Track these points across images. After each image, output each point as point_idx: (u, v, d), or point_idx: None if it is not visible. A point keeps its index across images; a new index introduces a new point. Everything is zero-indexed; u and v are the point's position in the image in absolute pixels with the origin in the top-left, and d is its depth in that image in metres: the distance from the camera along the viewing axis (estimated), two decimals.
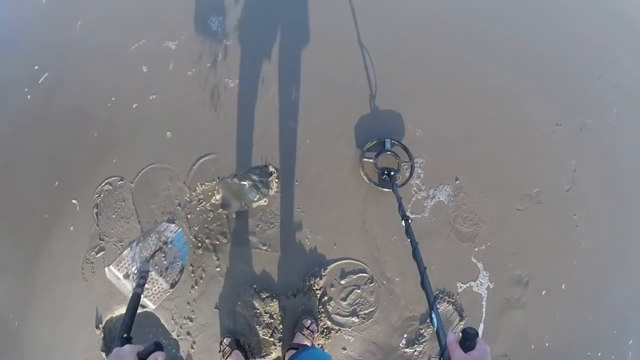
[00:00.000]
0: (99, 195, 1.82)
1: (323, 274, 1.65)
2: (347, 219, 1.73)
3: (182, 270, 1.25)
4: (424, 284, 0.90)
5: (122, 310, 1.68)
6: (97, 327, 1.67)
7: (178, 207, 1.75)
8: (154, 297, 1.28)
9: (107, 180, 1.84)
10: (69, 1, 2.31)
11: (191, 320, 1.64)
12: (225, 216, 1.72)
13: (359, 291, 1.65)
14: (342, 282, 1.66)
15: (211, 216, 1.72)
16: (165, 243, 1.26)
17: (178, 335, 1.64)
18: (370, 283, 1.67)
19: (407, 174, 1.79)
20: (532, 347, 1.69)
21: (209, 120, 1.90)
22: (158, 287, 1.22)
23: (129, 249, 1.20)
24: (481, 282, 1.74)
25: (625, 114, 2.26)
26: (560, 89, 2.23)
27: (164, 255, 1.25)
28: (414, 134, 1.92)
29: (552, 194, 1.94)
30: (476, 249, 1.78)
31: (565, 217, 1.91)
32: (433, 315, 0.78)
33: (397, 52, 2.10)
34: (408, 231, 1.16)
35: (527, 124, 2.07)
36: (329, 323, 1.61)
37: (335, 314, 1.62)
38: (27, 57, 2.21)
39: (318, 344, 1.58)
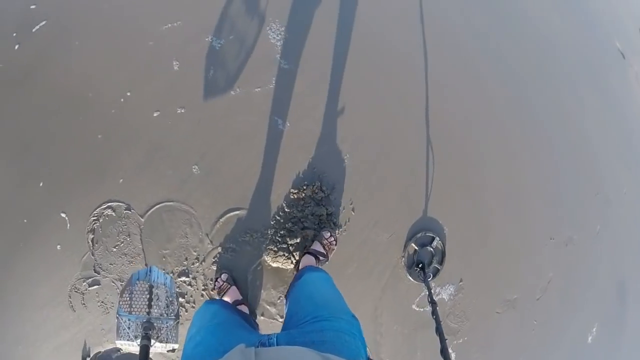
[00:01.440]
0: (97, 219, 1.60)
1: None
2: (363, 304, 1.86)
3: (178, 297, 1.35)
4: (444, 351, 1.14)
5: (114, 345, 1.64)
6: (84, 359, 1.61)
7: (196, 261, 1.64)
8: (171, 337, 1.34)
9: (109, 204, 1.60)
10: None
11: None
12: (245, 278, 1.69)
13: None
14: None
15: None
16: (151, 287, 1.31)
17: None
18: None
19: (432, 274, 1.95)
20: None
21: (247, 165, 1.70)
22: (169, 327, 1.29)
23: (120, 316, 1.23)
24: None
25: (604, 231, 2.65)
26: (560, 202, 2.47)
27: (158, 298, 1.29)
28: (442, 228, 2.02)
29: (526, 302, 2.30)
30: (455, 342, 2.10)
31: (528, 322, 2.32)
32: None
33: (442, 142, 2.05)
34: (434, 312, 1.44)
35: (529, 234, 2.31)
36: None
37: None
38: None
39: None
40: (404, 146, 1.93)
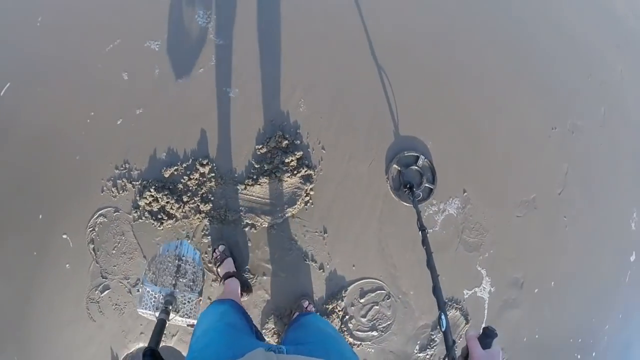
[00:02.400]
0: (93, 229, 1.74)
1: (344, 295, 1.78)
2: (364, 240, 1.84)
3: (204, 274, 1.34)
4: (436, 290, 0.97)
5: (139, 345, 1.71)
6: None
7: (187, 239, 1.73)
8: (192, 312, 1.35)
9: (100, 212, 1.75)
10: None
11: None
12: (239, 244, 1.75)
13: (377, 307, 1.82)
14: (362, 300, 1.81)
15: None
16: (180, 260, 1.33)
17: None
18: (388, 299, 1.84)
19: (425, 195, 1.93)
20: (525, 339, 2.01)
21: (210, 137, 1.82)
22: (192, 302, 1.30)
23: (145, 285, 1.26)
24: (484, 287, 1.99)
25: (611, 111, 2.48)
26: (553, 91, 2.37)
27: (184, 272, 1.31)
28: (425, 146, 2.00)
29: (546, 199, 2.17)
30: (480, 257, 1.99)
31: (556, 219, 2.17)
32: (442, 317, 0.84)
33: (399, 64, 2.08)
34: (425, 241, 1.27)
35: (527, 129, 2.22)
36: (351, 339, 1.78)
37: (357, 331, 1.79)
38: None
39: None
40: (357, 76, 1.99)
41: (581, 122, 2.38)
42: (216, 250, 1.68)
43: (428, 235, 1.82)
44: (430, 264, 1.11)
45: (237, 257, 1.73)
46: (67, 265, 1.72)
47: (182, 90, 1.87)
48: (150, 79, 1.87)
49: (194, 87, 1.87)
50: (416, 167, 1.92)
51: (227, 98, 1.86)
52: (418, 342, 1.86)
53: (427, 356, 1.86)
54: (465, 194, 2.01)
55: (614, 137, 2.44)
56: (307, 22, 2.01)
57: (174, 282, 1.35)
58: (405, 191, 1.85)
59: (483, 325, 1.96)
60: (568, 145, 2.31)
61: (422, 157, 1.93)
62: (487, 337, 0.69)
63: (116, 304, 1.71)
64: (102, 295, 1.71)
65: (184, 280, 1.35)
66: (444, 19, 2.23)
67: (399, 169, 1.90)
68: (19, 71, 1.86)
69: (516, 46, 2.35)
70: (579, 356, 2.06)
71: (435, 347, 1.87)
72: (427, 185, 1.93)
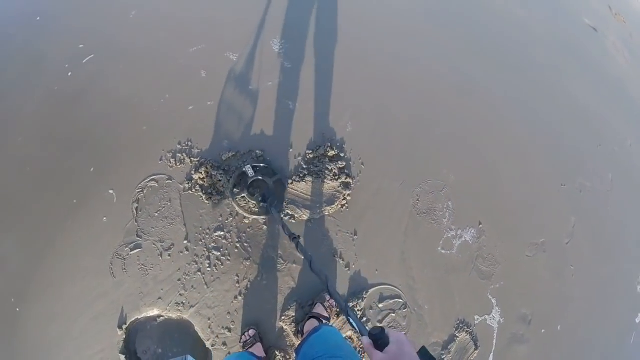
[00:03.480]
0: (142, 191, 1.95)
1: (365, 296, 1.93)
2: (389, 248, 2.03)
3: None
4: (330, 291, 0.99)
5: (153, 312, 1.78)
6: (120, 328, 1.75)
7: (230, 216, 1.95)
8: None
9: (152, 177, 1.98)
10: None
11: (230, 331, 1.81)
12: (278, 231, 1.95)
13: (393, 315, 1.95)
14: (380, 305, 1.95)
15: (264, 229, 1.94)
16: None
17: (213, 345, 1.77)
18: (404, 309, 1.98)
19: (281, 191, 1.97)
20: None
21: (269, 137, 2.13)
22: None
23: None
24: (494, 317, 2.12)
25: (618, 179, 2.83)
26: (566, 153, 2.76)
27: None
28: (448, 177, 2.30)
29: (555, 245, 2.40)
30: (492, 287, 2.16)
31: (564, 267, 2.37)
32: (351, 320, 0.81)
33: (435, 109, 2.50)
34: (298, 248, 1.28)
35: (538, 182, 2.54)
36: None
37: None
38: (72, 34, 2.33)
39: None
40: (397, 112, 2.37)
41: (590, 183, 2.71)
42: (246, 334, 1.75)
43: (445, 257, 2.04)
44: (313, 269, 1.11)
45: (265, 344, 1.78)
46: (105, 219, 1.89)
47: (252, 95, 2.23)
48: (225, 81, 2.25)
49: (261, 95, 2.24)
50: (256, 178, 1.93)
51: (288, 109, 2.22)
52: None
53: None
54: (480, 225, 2.25)
55: (620, 203, 2.75)
56: (362, 63, 2.46)
57: None
58: (262, 205, 1.87)
59: (491, 355, 2.07)
60: (576, 202, 2.60)
61: (247, 167, 1.91)
62: (378, 339, 0.69)
63: (143, 265, 1.83)
64: (132, 253, 1.84)
65: None
66: (480, 81, 2.71)
67: (244, 195, 1.91)
68: (106, 47, 2.26)
69: (535, 111, 2.79)
70: None
71: None
72: (273, 178, 1.95)
